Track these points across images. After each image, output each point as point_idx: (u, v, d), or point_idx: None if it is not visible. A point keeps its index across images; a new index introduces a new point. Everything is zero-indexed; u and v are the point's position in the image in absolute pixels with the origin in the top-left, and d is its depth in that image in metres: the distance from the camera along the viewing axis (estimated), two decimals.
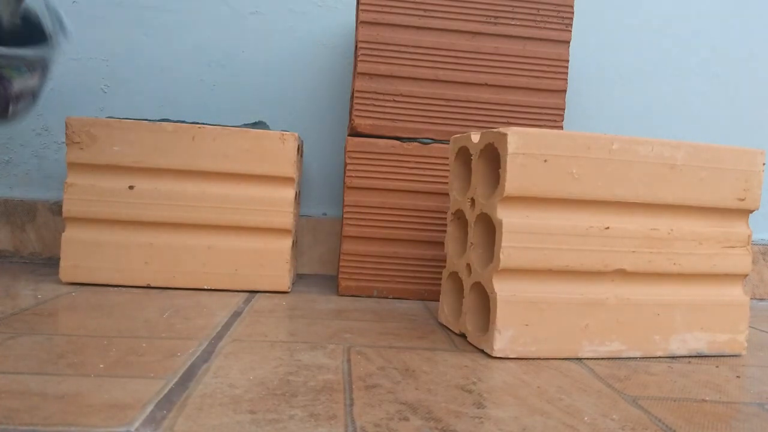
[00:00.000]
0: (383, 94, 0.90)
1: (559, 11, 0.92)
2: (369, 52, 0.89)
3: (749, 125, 1.19)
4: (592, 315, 0.65)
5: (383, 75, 0.90)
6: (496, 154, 0.66)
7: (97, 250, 0.85)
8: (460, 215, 0.75)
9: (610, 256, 0.65)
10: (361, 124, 0.90)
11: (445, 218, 0.92)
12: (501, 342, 0.63)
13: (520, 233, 0.62)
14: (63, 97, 1.05)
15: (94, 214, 0.85)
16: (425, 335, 0.71)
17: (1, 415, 0.41)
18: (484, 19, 0.90)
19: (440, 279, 0.92)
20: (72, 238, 0.85)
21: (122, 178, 0.86)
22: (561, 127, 0.93)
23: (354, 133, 0.91)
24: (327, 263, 1.09)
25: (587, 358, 0.65)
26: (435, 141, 0.91)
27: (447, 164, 0.91)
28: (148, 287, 0.87)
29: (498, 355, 0.63)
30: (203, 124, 0.88)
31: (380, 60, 0.89)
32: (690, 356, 0.69)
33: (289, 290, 0.91)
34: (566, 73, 0.92)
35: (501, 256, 0.62)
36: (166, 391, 0.47)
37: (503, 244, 0.62)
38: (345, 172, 0.91)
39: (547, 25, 0.91)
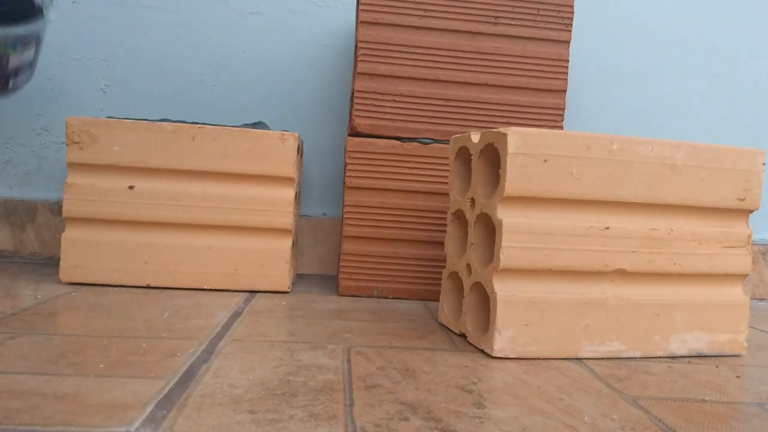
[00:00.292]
0: (383, 94, 0.90)
1: (559, 11, 0.92)
2: (369, 52, 0.89)
3: (749, 125, 1.19)
4: (592, 315, 0.65)
5: (383, 75, 0.90)
6: (496, 154, 0.66)
7: (97, 250, 0.85)
8: (460, 215, 0.75)
9: (610, 256, 0.65)
10: (361, 124, 0.90)
11: (445, 218, 0.92)
12: (501, 342, 0.63)
13: (520, 233, 0.62)
14: (63, 97, 1.05)
15: (94, 214, 0.85)
16: (425, 335, 0.71)
17: (1, 415, 0.41)
18: (484, 19, 0.90)
19: (440, 279, 0.92)
20: (72, 238, 0.85)
21: (122, 178, 0.86)
22: (561, 127, 0.93)
23: (354, 133, 0.91)
24: (327, 263, 1.09)
25: (587, 358, 0.65)
26: (435, 141, 0.91)
27: (447, 164, 0.91)
28: (148, 287, 0.87)
29: (498, 355, 0.63)
30: (203, 124, 0.88)
31: (380, 60, 0.89)
32: (690, 356, 0.69)
33: (289, 290, 0.91)
34: (566, 73, 0.92)
35: (501, 256, 0.62)
36: (166, 391, 0.47)
37: (503, 244, 0.62)
38: (345, 172, 0.91)
39: (547, 25, 0.91)
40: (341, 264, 0.91)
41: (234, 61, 1.07)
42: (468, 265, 0.70)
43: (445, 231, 0.92)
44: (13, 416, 0.41)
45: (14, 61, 0.73)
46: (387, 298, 0.92)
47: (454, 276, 0.75)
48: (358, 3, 0.92)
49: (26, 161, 1.05)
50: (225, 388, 0.49)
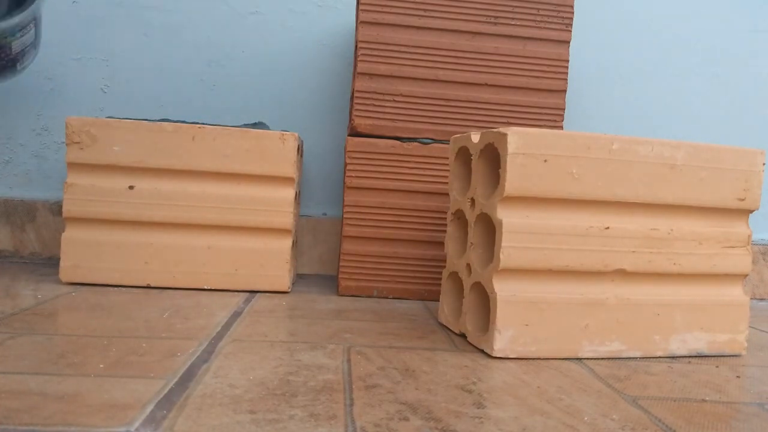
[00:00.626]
0: (383, 94, 0.90)
1: (559, 11, 0.92)
2: (369, 52, 0.89)
3: (749, 125, 1.19)
4: (592, 315, 0.65)
5: (383, 75, 0.90)
6: (496, 154, 0.66)
7: (97, 250, 0.85)
8: (460, 215, 0.75)
9: (610, 256, 0.65)
10: (361, 124, 0.90)
11: (445, 218, 0.92)
12: (501, 342, 0.63)
13: (520, 233, 0.62)
14: (63, 97, 1.05)
15: (94, 214, 0.85)
16: (425, 335, 0.71)
17: (1, 415, 0.41)
18: (484, 19, 0.90)
19: (440, 279, 0.92)
20: (72, 238, 0.85)
21: (122, 178, 0.86)
22: (561, 127, 0.93)
23: (354, 133, 0.91)
24: (327, 263, 1.09)
25: (587, 358, 0.65)
26: (435, 141, 0.91)
27: (447, 164, 0.91)
28: (148, 287, 0.87)
29: (498, 355, 0.63)
30: (203, 124, 0.88)
31: (380, 60, 0.89)
32: (690, 356, 0.69)
33: (289, 290, 0.91)
34: (566, 73, 0.92)
35: (501, 256, 0.62)
36: (166, 391, 0.47)
37: (503, 244, 0.62)
38: (345, 172, 0.91)
39: (547, 25, 0.91)
40: (341, 264, 0.91)
41: (234, 61, 1.07)
42: (468, 265, 0.70)
43: (445, 231, 0.92)
44: (13, 416, 0.41)
45: (17, 46, 0.75)
46: (387, 298, 0.92)
47: (454, 276, 0.75)
48: (358, 3, 0.92)
49: (26, 161, 1.05)
50: (225, 388, 0.49)
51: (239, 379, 0.51)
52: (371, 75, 0.90)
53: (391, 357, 0.61)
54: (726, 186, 0.68)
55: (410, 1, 0.89)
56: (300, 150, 0.95)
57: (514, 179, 0.62)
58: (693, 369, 0.64)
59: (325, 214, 1.11)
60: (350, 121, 0.94)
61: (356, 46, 0.93)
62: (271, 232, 0.89)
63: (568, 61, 0.92)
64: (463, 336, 0.71)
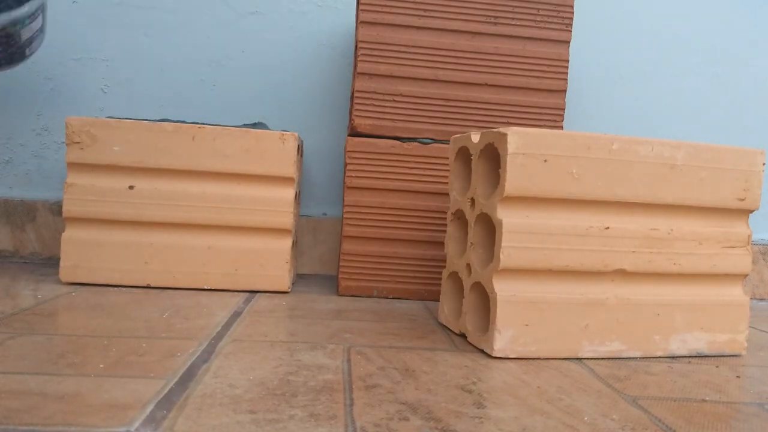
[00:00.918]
0: (383, 94, 0.90)
1: (559, 11, 0.92)
2: (369, 52, 0.89)
3: (749, 125, 1.19)
4: (592, 315, 0.65)
5: (383, 75, 0.90)
6: (496, 154, 0.66)
7: (97, 250, 0.85)
8: (460, 215, 0.75)
9: (610, 256, 0.65)
10: (361, 124, 0.90)
11: (445, 218, 0.92)
12: (501, 342, 0.63)
13: (520, 233, 0.62)
14: (63, 97, 1.05)
15: (94, 214, 0.85)
16: (425, 335, 0.71)
17: (1, 415, 0.41)
18: (484, 19, 0.90)
19: (440, 279, 0.92)
20: (72, 238, 0.85)
21: (122, 178, 0.86)
22: (561, 127, 0.93)
23: (354, 133, 0.91)
24: (327, 263, 1.09)
25: (587, 358, 0.65)
26: (435, 141, 0.91)
27: (447, 164, 0.91)
28: (148, 287, 0.87)
29: (498, 355, 0.63)
30: (203, 124, 0.88)
31: (380, 60, 0.89)
32: (690, 356, 0.69)
33: (289, 290, 0.91)
34: (566, 73, 0.92)
35: (501, 256, 0.62)
36: (166, 391, 0.47)
37: (503, 244, 0.62)
38: (345, 172, 0.91)
39: (547, 25, 0.91)
40: (341, 264, 0.91)
41: (234, 61, 1.07)
42: (468, 265, 0.70)
43: (445, 231, 0.92)
44: (13, 416, 0.41)
45: (26, 33, 0.75)
46: (387, 298, 0.92)
47: (454, 276, 0.75)
48: (358, 3, 0.92)
49: (26, 161, 1.05)
50: (225, 388, 0.49)
51: (239, 379, 0.51)
52: (371, 75, 0.90)
53: (391, 357, 0.61)
54: (726, 186, 0.68)
55: (410, 1, 0.89)
56: (300, 150, 0.95)
57: (514, 179, 0.62)
58: (693, 369, 0.64)
59: (325, 214, 1.11)
60: (350, 121, 0.94)
61: (356, 46, 0.93)
62: (271, 232, 0.89)
63: (568, 61, 0.92)
64: (463, 336, 0.71)
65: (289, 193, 0.89)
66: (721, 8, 1.16)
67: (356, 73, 0.90)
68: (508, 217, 0.62)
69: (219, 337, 0.64)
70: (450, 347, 0.66)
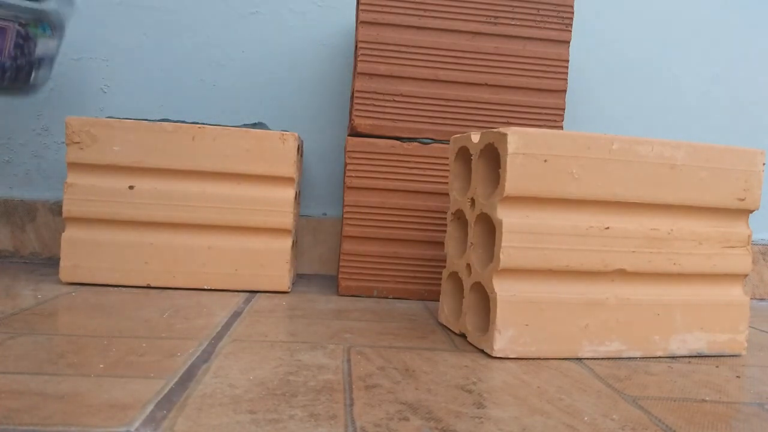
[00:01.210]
0: (383, 94, 0.90)
1: (559, 11, 0.92)
2: (369, 52, 0.89)
3: (749, 125, 1.19)
4: (592, 315, 0.65)
5: (383, 75, 0.90)
6: (496, 154, 0.66)
7: (97, 250, 0.85)
8: (460, 215, 0.75)
9: (610, 256, 0.65)
10: (361, 124, 0.90)
11: (445, 218, 0.92)
12: (501, 342, 0.63)
13: (520, 233, 0.62)
14: (63, 97, 1.05)
15: (94, 214, 0.85)
16: (425, 335, 0.71)
17: (1, 415, 0.41)
18: (484, 19, 0.90)
19: (440, 279, 0.92)
20: (72, 238, 0.85)
21: (122, 178, 0.86)
22: (561, 127, 0.93)
23: (354, 133, 0.91)
24: (327, 263, 1.09)
25: (587, 358, 0.65)
26: (435, 141, 0.91)
27: (447, 164, 0.91)
28: (148, 287, 0.87)
29: (498, 355, 0.63)
30: (203, 124, 0.88)
31: (380, 60, 0.89)
32: (690, 356, 0.69)
33: (289, 290, 0.91)
34: (566, 73, 0.92)
35: (501, 256, 0.62)
36: (166, 391, 0.47)
37: (503, 244, 0.62)
38: (345, 172, 0.91)
39: (547, 25, 0.91)
40: (341, 264, 0.91)
41: (234, 61, 1.07)
42: (468, 265, 0.70)
43: (445, 231, 0.92)
44: (13, 416, 0.41)
45: (41, 46, 0.74)
46: (387, 298, 0.92)
47: (454, 276, 0.75)
48: (358, 3, 0.92)
49: (26, 161, 1.05)
50: (225, 388, 0.49)
51: (239, 379, 0.51)
52: (371, 75, 0.90)
53: (391, 357, 0.61)
54: (726, 186, 0.68)
55: (410, 1, 0.89)
56: (300, 150, 0.95)
57: (514, 179, 0.62)
58: (693, 369, 0.64)
59: (325, 214, 1.11)
60: (350, 121, 0.94)
61: (356, 46, 0.93)
62: (271, 232, 0.89)
63: (568, 61, 0.92)
64: (463, 336, 0.71)
65: (289, 193, 0.89)
66: (720, 8, 1.16)
67: (356, 73, 0.90)
68: (508, 217, 0.62)
69: (219, 337, 0.64)
70: (450, 347, 0.66)
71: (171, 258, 0.87)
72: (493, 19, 0.91)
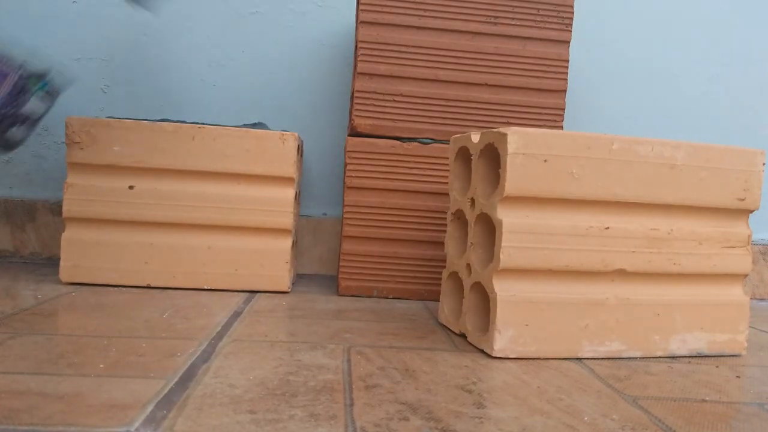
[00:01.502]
0: (383, 94, 0.90)
1: (559, 11, 0.92)
2: (369, 52, 0.89)
3: (749, 125, 1.19)
4: (592, 315, 0.65)
5: (383, 75, 0.90)
6: (496, 154, 0.66)
7: (97, 250, 0.85)
8: (460, 215, 0.75)
9: (610, 256, 0.65)
10: (361, 124, 0.90)
11: (445, 218, 0.92)
12: (501, 342, 0.63)
13: (520, 233, 0.62)
14: (63, 97, 1.05)
15: (94, 214, 0.85)
16: (425, 335, 0.71)
17: (1, 415, 0.41)
18: (484, 19, 0.90)
19: (440, 279, 0.92)
20: (72, 238, 0.85)
21: (122, 178, 0.86)
22: (561, 127, 0.93)
23: (354, 133, 0.91)
24: (327, 263, 1.09)
25: (587, 358, 0.65)
26: (435, 141, 0.91)
27: (447, 164, 0.91)
28: (148, 287, 0.87)
29: (498, 355, 0.63)
30: (203, 124, 0.88)
31: (380, 60, 0.89)
32: (690, 356, 0.69)
33: (289, 290, 0.91)
34: (566, 73, 0.92)
35: (501, 256, 0.62)
36: (166, 391, 0.47)
37: (503, 244, 0.62)
38: (345, 172, 0.91)
39: (547, 25, 0.91)
40: (341, 264, 0.91)
41: (234, 61, 1.07)
42: (468, 265, 0.70)
43: (445, 231, 0.92)
44: (13, 416, 0.41)
45: (31, 104, 0.74)
46: (387, 298, 0.92)
47: (454, 276, 0.75)
48: (358, 3, 0.92)
49: (26, 161, 1.05)
50: (225, 388, 0.49)
51: (239, 379, 0.51)
52: (371, 75, 0.90)
53: (391, 357, 0.61)
54: (726, 186, 0.68)
55: (410, 1, 0.89)
56: (300, 150, 0.95)
57: (514, 179, 0.62)
58: (693, 369, 0.64)
59: (325, 214, 1.11)
60: (350, 121, 0.94)
61: (356, 46, 0.93)
62: (271, 232, 0.89)
63: (568, 61, 0.92)
64: (463, 336, 0.71)
65: (289, 193, 0.89)
66: (721, 9, 1.16)
67: (356, 73, 0.90)
68: (508, 217, 0.62)
69: (219, 337, 0.64)
70: (450, 347, 0.66)
71: (171, 258, 0.87)
72: (493, 19, 0.91)
